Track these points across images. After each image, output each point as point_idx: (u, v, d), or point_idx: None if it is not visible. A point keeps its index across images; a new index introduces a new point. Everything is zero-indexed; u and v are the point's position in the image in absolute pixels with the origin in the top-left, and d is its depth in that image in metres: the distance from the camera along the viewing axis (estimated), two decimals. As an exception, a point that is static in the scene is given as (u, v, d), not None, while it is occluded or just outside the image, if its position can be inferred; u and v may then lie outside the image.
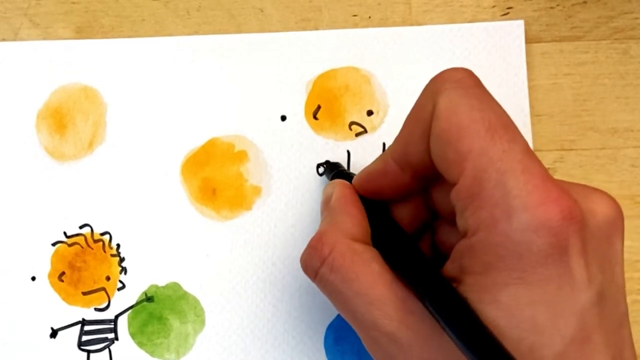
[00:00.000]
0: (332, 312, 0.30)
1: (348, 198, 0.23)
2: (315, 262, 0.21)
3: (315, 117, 0.31)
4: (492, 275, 0.18)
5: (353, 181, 0.24)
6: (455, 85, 0.20)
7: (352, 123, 0.31)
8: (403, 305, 0.19)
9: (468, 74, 0.20)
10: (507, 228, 0.17)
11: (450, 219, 0.22)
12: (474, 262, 0.18)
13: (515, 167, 0.17)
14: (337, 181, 0.25)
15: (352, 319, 0.21)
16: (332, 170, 0.29)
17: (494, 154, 0.18)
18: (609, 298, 0.18)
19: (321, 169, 0.31)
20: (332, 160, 0.31)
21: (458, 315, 0.17)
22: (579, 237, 0.17)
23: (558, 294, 0.17)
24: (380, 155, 0.23)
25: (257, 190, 0.31)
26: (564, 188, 0.18)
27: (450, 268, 0.20)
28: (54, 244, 0.31)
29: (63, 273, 0.31)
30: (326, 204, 0.24)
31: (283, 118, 0.31)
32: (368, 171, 0.24)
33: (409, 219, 0.23)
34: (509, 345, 0.17)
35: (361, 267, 0.20)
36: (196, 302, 0.30)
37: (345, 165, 0.31)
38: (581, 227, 0.17)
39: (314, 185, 0.31)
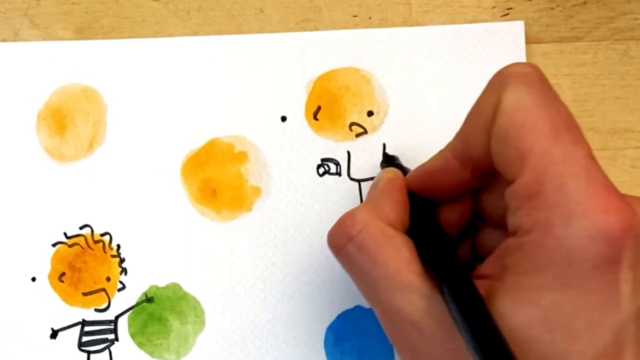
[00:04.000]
0: (332, 313, 0.30)
1: (395, 185, 0.23)
2: (342, 239, 0.21)
3: (315, 118, 0.31)
4: (537, 277, 0.17)
5: (408, 176, 0.24)
6: (522, 80, 0.19)
7: (352, 124, 0.31)
8: (429, 296, 0.19)
9: (535, 70, 0.20)
10: (563, 232, 0.17)
11: (496, 221, 0.22)
12: (520, 261, 0.18)
13: (578, 171, 0.17)
14: (391, 169, 0.24)
15: (376, 302, 0.20)
16: (388, 162, 0.28)
17: (557, 156, 0.17)
18: None
19: (321, 170, 0.31)
20: (332, 158, 0.31)
21: (472, 310, 0.17)
22: (633, 250, 0.17)
23: (600, 305, 0.17)
24: (439, 153, 0.23)
25: (257, 191, 0.31)
26: (625, 198, 0.17)
27: (489, 265, 0.19)
28: (54, 245, 0.31)
29: (63, 274, 0.31)
30: (372, 187, 0.24)
31: (283, 119, 0.31)
32: (425, 168, 0.23)
33: (454, 220, 0.23)
34: (540, 348, 0.17)
35: (390, 252, 0.20)
36: (196, 302, 0.30)
37: (345, 168, 0.31)
38: (636, 240, 0.17)
39: (314, 185, 0.31)
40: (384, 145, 0.31)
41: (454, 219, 0.23)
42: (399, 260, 0.20)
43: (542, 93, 0.19)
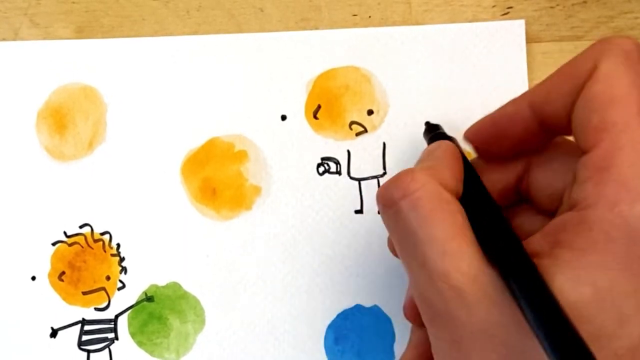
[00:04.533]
0: (332, 312, 0.30)
1: (454, 155, 0.23)
2: (397, 193, 0.20)
3: (315, 117, 0.31)
4: (596, 254, 0.17)
5: (474, 124, 0.23)
6: (623, 55, 0.19)
7: (352, 122, 0.31)
8: (478, 264, 0.19)
9: (637, 48, 0.19)
10: (628, 212, 0.17)
11: (541, 203, 0.22)
12: (579, 236, 0.18)
13: None
14: (446, 141, 0.24)
15: (420, 264, 0.20)
16: (431, 131, 0.28)
17: (637, 134, 0.17)
18: None
19: (321, 169, 0.31)
20: (332, 157, 0.31)
21: (531, 284, 0.17)
22: None
23: None
24: (512, 100, 0.22)
25: (257, 190, 0.31)
26: None
27: (539, 240, 0.19)
28: (54, 244, 0.31)
29: (63, 273, 0.31)
30: (427, 154, 0.23)
31: (283, 118, 0.31)
32: (493, 115, 0.23)
33: (495, 196, 0.23)
34: (590, 330, 0.16)
35: (445, 215, 0.19)
36: (196, 301, 0.30)
37: (345, 167, 0.31)
38: None
39: (314, 184, 0.31)
40: (384, 145, 0.31)
41: (495, 193, 0.23)
42: (453, 224, 0.19)
43: (638, 73, 0.19)
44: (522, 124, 0.21)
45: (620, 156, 0.17)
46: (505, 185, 0.23)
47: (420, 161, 0.23)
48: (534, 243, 0.19)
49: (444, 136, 0.26)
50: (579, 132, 0.19)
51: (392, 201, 0.20)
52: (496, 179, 0.23)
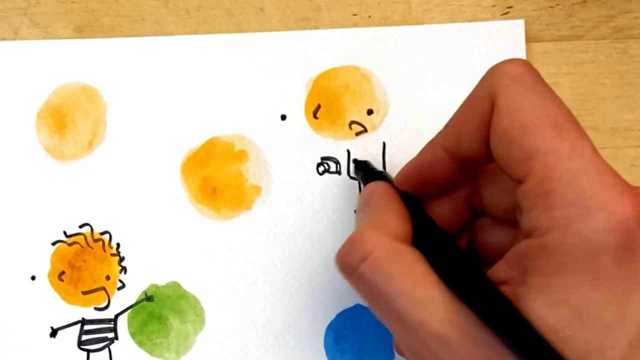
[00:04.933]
0: (332, 312, 0.30)
1: (391, 198, 0.23)
2: (354, 260, 0.20)
3: (315, 117, 0.31)
4: (564, 276, 0.17)
5: (397, 175, 0.24)
6: (516, 80, 0.19)
7: (352, 122, 0.31)
8: (450, 306, 0.19)
9: (528, 68, 0.20)
10: (583, 228, 0.17)
11: (501, 217, 0.22)
12: (543, 263, 0.18)
13: (587, 166, 0.17)
14: (378, 182, 0.24)
15: (396, 320, 0.20)
16: (361, 169, 0.28)
17: (563, 152, 0.17)
18: None
19: (321, 169, 0.31)
20: (332, 156, 0.31)
21: (507, 317, 0.17)
22: None
23: (627, 296, 0.17)
24: (426, 146, 0.22)
25: (257, 190, 0.31)
26: (636, 188, 0.17)
27: (504, 269, 0.19)
28: (53, 244, 0.31)
29: (63, 272, 0.31)
30: (365, 203, 0.23)
31: (283, 117, 0.31)
32: (414, 163, 0.23)
33: (450, 218, 0.23)
34: (578, 348, 0.17)
35: (405, 267, 0.20)
36: (196, 301, 0.30)
37: (345, 166, 0.31)
38: None
39: (314, 184, 0.31)
40: (384, 144, 0.31)
41: (448, 217, 0.23)
42: (415, 274, 0.20)
43: (538, 92, 0.19)
44: (444, 167, 0.22)
45: (555, 178, 0.17)
46: (455, 207, 0.23)
47: (360, 211, 0.24)
48: (501, 271, 0.19)
49: (375, 173, 0.27)
50: (504, 165, 0.19)
51: (352, 269, 0.21)
52: (445, 203, 0.23)
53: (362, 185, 0.29)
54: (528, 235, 0.18)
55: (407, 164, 0.23)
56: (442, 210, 0.23)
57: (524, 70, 0.19)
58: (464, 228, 0.24)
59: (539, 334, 0.17)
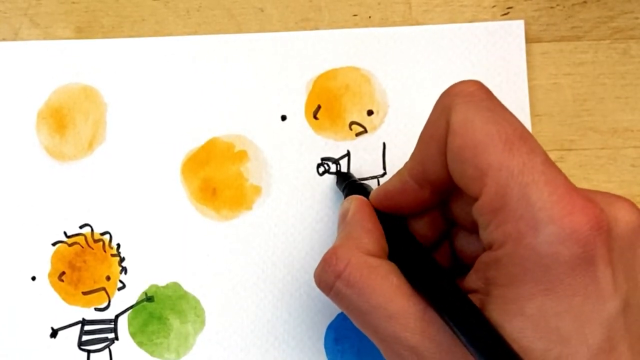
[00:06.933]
0: (332, 312, 0.30)
1: (365, 213, 0.23)
2: (329, 277, 0.21)
3: (315, 117, 0.31)
4: (518, 287, 0.18)
5: (370, 197, 0.24)
6: (467, 99, 0.19)
7: (352, 123, 0.31)
8: (423, 318, 0.19)
9: (479, 87, 0.20)
10: (534, 241, 0.17)
11: (470, 228, 0.22)
12: (499, 274, 0.18)
13: (538, 179, 0.18)
14: (354, 197, 0.25)
15: (372, 333, 0.21)
16: (343, 180, 0.29)
17: (514, 167, 0.18)
18: (634, 306, 0.18)
19: (321, 169, 0.31)
20: (332, 157, 0.31)
21: (475, 327, 0.18)
22: (606, 247, 0.17)
23: (584, 304, 0.17)
24: (397, 173, 0.23)
25: (257, 190, 0.31)
26: (589, 197, 0.18)
27: (474, 279, 0.20)
28: (54, 244, 0.31)
29: (63, 273, 0.31)
30: (343, 219, 0.24)
31: (283, 118, 0.31)
32: (385, 188, 0.24)
33: (426, 230, 0.24)
34: (536, 356, 0.17)
35: (378, 281, 0.20)
36: (196, 302, 0.30)
37: (345, 165, 0.31)
38: (607, 237, 0.17)
39: (314, 185, 0.31)
40: (384, 145, 0.31)
41: (423, 230, 0.24)
42: (387, 288, 0.20)
43: (489, 109, 0.19)
44: (414, 194, 0.22)
45: (507, 194, 0.18)
46: (430, 219, 0.24)
47: (339, 225, 0.24)
48: (471, 282, 0.20)
49: (355, 186, 0.27)
50: (461, 184, 0.20)
51: (328, 286, 0.21)
52: (420, 216, 0.24)
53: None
54: (488, 248, 0.19)
55: (379, 188, 0.24)
56: (418, 223, 0.24)
57: (474, 89, 0.20)
58: (443, 236, 0.24)
59: (505, 342, 0.17)
